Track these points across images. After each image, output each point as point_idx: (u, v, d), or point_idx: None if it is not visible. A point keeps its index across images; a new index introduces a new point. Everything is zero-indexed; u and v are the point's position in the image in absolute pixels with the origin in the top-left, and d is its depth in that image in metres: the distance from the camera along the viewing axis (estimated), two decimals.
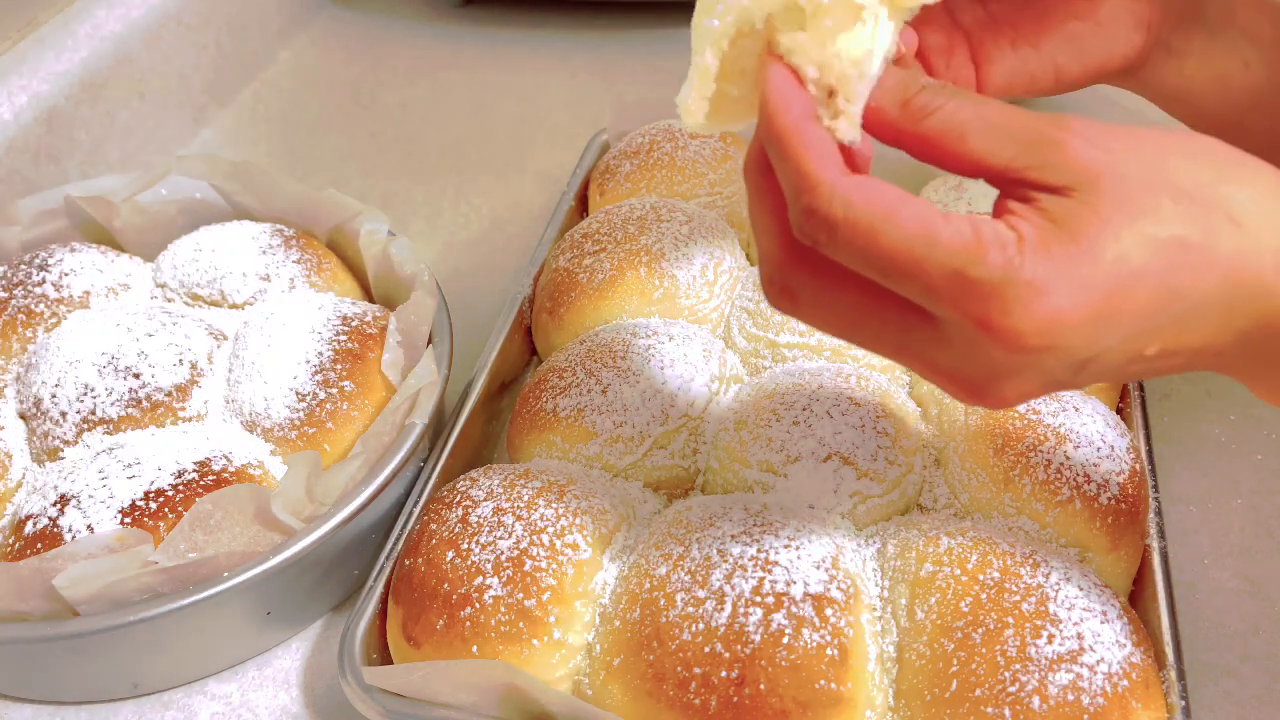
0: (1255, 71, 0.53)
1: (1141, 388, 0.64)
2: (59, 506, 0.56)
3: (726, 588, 0.49)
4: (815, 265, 0.38)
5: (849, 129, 0.38)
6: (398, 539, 0.57)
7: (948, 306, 0.36)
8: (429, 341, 0.66)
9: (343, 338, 0.64)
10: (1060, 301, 0.35)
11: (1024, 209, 0.36)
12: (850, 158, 0.39)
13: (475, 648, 0.50)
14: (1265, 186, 0.37)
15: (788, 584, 0.49)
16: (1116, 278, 0.35)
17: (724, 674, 0.47)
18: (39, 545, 0.55)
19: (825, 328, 0.40)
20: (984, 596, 0.49)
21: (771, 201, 0.39)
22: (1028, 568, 0.50)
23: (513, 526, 0.53)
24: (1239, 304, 0.37)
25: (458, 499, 0.56)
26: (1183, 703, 0.48)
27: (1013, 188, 0.37)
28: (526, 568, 0.51)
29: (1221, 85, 0.54)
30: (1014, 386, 0.38)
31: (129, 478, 0.56)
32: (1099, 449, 0.56)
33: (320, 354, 0.63)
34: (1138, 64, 0.54)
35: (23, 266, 0.70)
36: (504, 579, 0.51)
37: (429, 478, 0.60)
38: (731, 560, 0.50)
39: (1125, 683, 0.46)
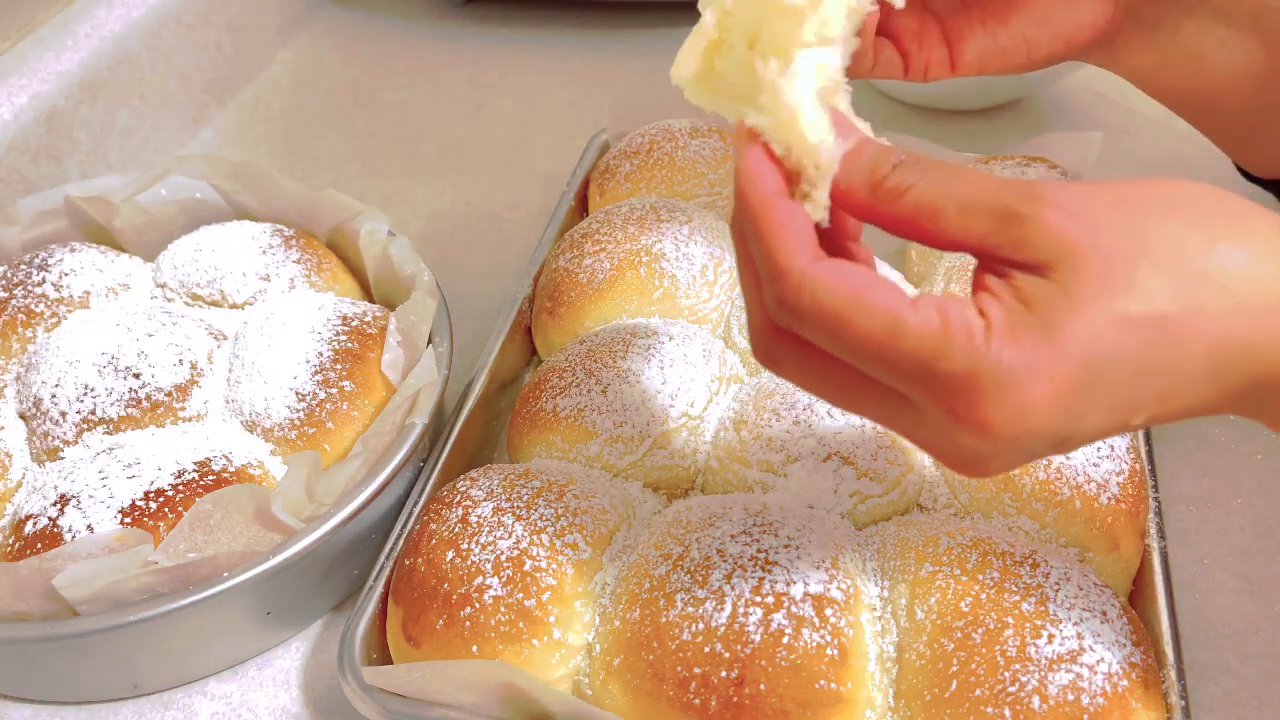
0: (1230, 50, 0.53)
1: None
2: (59, 506, 0.56)
3: (726, 588, 0.49)
4: (796, 337, 0.38)
5: (817, 210, 0.38)
6: (398, 539, 0.57)
7: (919, 395, 0.36)
8: (429, 341, 0.66)
9: (343, 338, 0.64)
10: (1028, 392, 0.35)
11: (999, 286, 0.36)
12: (841, 225, 0.39)
13: (475, 648, 0.50)
14: (1259, 240, 0.36)
15: (788, 584, 0.49)
16: (1087, 362, 0.35)
17: (724, 674, 0.47)
18: (39, 545, 0.55)
19: (811, 391, 0.40)
20: (984, 596, 0.49)
21: (753, 269, 0.39)
22: (1028, 568, 0.50)
23: (513, 526, 0.53)
24: (1230, 369, 0.36)
25: (458, 499, 0.56)
26: (1183, 703, 0.48)
27: (990, 262, 0.37)
28: (526, 568, 0.51)
29: (1196, 63, 0.54)
30: (996, 464, 0.38)
31: (129, 478, 0.56)
32: (1099, 449, 0.56)
33: (320, 354, 0.63)
34: (1109, 36, 0.54)
35: (23, 266, 0.70)
36: (504, 579, 0.51)
37: (429, 478, 0.60)
38: (731, 560, 0.50)
39: (1125, 683, 0.46)
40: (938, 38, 0.53)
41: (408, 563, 0.54)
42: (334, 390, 0.62)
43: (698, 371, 0.62)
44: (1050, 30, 0.52)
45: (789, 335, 0.38)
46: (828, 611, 0.48)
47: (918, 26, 0.53)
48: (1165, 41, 0.53)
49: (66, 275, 0.69)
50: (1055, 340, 0.35)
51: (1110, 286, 0.35)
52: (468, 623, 0.51)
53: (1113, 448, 0.56)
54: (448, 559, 0.53)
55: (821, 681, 0.47)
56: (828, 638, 0.48)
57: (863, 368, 0.37)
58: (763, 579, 0.49)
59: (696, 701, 0.47)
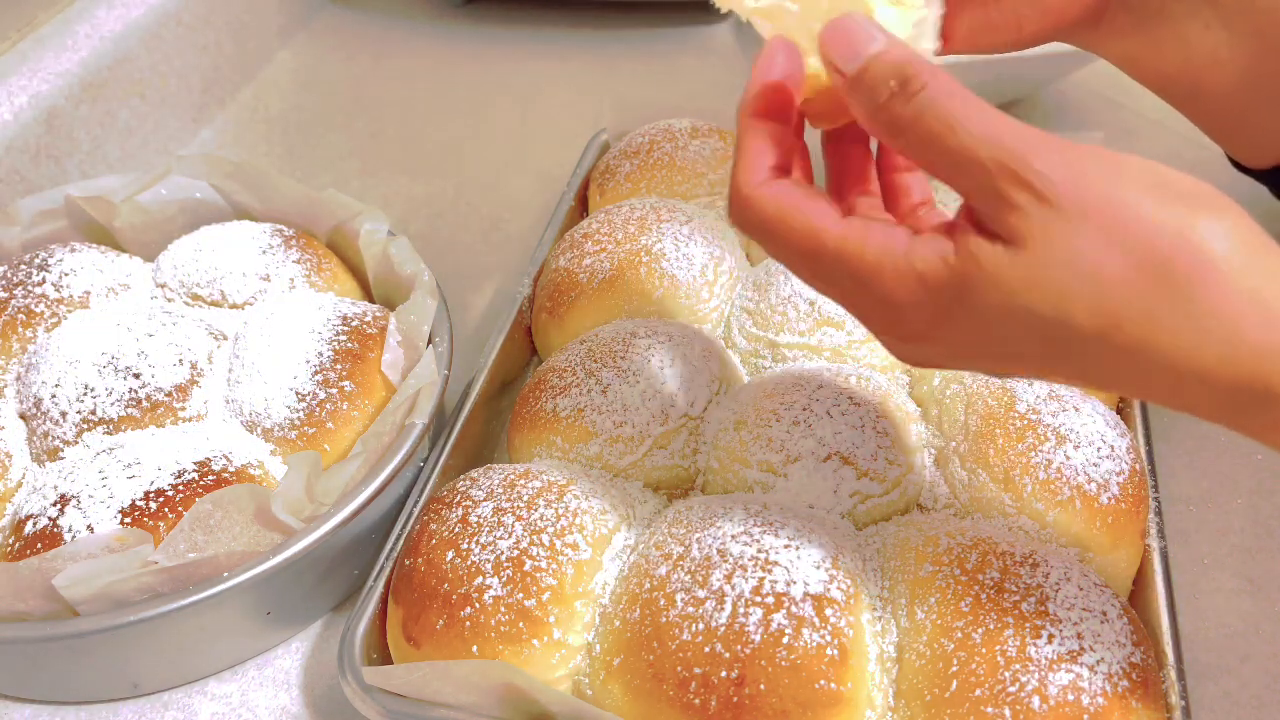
0: (1215, 33, 0.53)
1: None
2: (59, 506, 0.56)
3: (726, 588, 0.49)
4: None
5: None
6: (398, 539, 0.57)
7: (826, 293, 0.41)
8: (429, 341, 0.66)
9: (343, 338, 0.64)
10: (911, 329, 0.39)
11: (943, 239, 0.38)
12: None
13: (475, 648, 0.50)
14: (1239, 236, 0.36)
15: (788, 584, 0.49)
16: (982, 339, 0.38)
17: (724, 674, 0.47)
18: (39, 545, 0.55)
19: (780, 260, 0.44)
20: (984, 596, 0.49)
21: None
22: (1028, 568, 0.50)
23: (513, 526, 0.53)
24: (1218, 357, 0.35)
25: (458, 499, 0.56)
26: (1183, 703, 0.48)
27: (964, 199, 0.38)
28: (526, 568, 0.51)
29: (1183, 48, 0.54)
30: (904, 358, 0.42)
31: (129, 478, 0.56)
32: (1099, 449, 0.56)
33: (320, 354, 0.63)
34: (1096, 16, 0.54)
35: (23, 266, 0.70)
36: (504, 579, 0.51)
37: (429, 478, 0.60)
38: (731, 560, 0.50)
39: (1125, 683, 0.46)
40: None
41: (408, 563, 0.54)
42: (334, 390, 0.62)
43: (698, 371, 0.62)
44: (1040, 7, 0.52)
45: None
46: (828, 611, 0.48)
47: None
48: (1151, 24, 0.53)
49: (66, 275, 0.69)
50: (958, 307, 0.38)
51: (1035, 282, 0.36)
52: (468, 623, 0.51)
53: (1113, 448, 0.56)
54: (448, 559, 0.53)
55: (821, 681, 0.47)
56: (828, 638, 0.48)
57: (797, 275, 0.42)
58: (763, 579, 0.49)
59: (696, 701, 0.47)
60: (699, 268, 0.69)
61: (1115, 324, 0.36)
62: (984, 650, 0.47)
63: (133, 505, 0.55)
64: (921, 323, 0.39)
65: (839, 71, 0.39)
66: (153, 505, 0.55)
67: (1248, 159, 0.60)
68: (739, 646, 0.47)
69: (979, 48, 0.53)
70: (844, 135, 0.48)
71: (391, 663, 0.54)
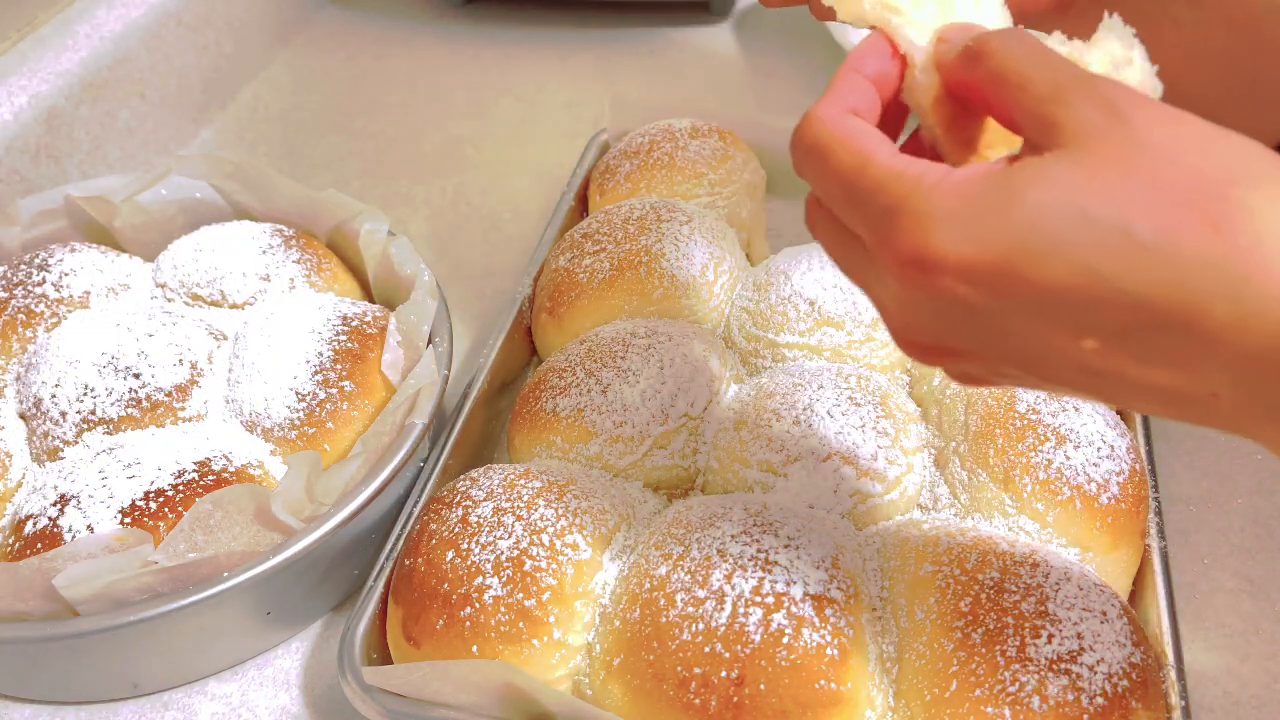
0: (1186, 29, 0.52)
1: None
2: (59, 506, 0.56)
3: (726, 588, 0.49)
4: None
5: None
6: (398, 539, 0.57)
7: (860, 225, 0.37)
8: (429, 341, 0.66)
9: (343, 338, 0.64)
10: (944, 240, 0.34)
11: (1000, 160, 0.36)
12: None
13: (475, 648, 0.50)
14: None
15: (788, 584, 0.49)
16: (1022, 237, 0.33)
17: (724, 674, 0.47)
18: (39, 545, 0.54)
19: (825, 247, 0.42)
20: (984, 596, 0.49)
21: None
22: (1027, 568, 0.50)
23: (513, 526, 0.53)
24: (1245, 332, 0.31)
25: (458, 499, 0.56)
26: (1182, 703, 0.48)
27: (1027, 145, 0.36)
28: (526, 568, 0.51)
29: (1152, 37, 0.53)
30: (926, 331, 0.37)
31: (129, 478, 0.56)
32: (1099, 449, 0.56)
33: (320, 354, 0.63)
34: (1065, 4, 0.52)
35: (23, 266, 0.70)
36: (504, 579, 0.51)
37: (429, 478, 0.60)
38: (731, 560, 0.50)
39: (1125, 683, 0.46)
40: None
41: (408, 563, 0.54)
42: (334, 390, 0.62)
43: (698, 371, 0.62)
44: None
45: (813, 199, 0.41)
46: (828, 611, 0.48)
47: None
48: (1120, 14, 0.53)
49: (66, 275, 0.69)
50: (1001, 203, 0.34)
51: (1089, 181, 0.33)
52: (468, 623, 0.51)
53: (1113, 448, 0.56)
54: (448, 559, 0.53)
55: (821, 681, 0.47)
56: (828, 638, 0.48)
57: (833, 205, 0.39)
58: (763, 579, 0.49)
59: (696, 701, 0.47)
60: (699, 268, 0.69)
61: (1174, 239, 0.32)
62: (984, 650, 0.47)
63: (133, 505, 0.55)
64: (946, 225, 0.34)
65: (948, 41, 0.39)
66: (153, 505, 0.55)
67: None
68: (739, 646, 0.47)
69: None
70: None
71: (391, 663, 0.54)
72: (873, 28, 0.42)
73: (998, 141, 0.40)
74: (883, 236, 0.36)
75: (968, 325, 0.36)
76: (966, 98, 0.40)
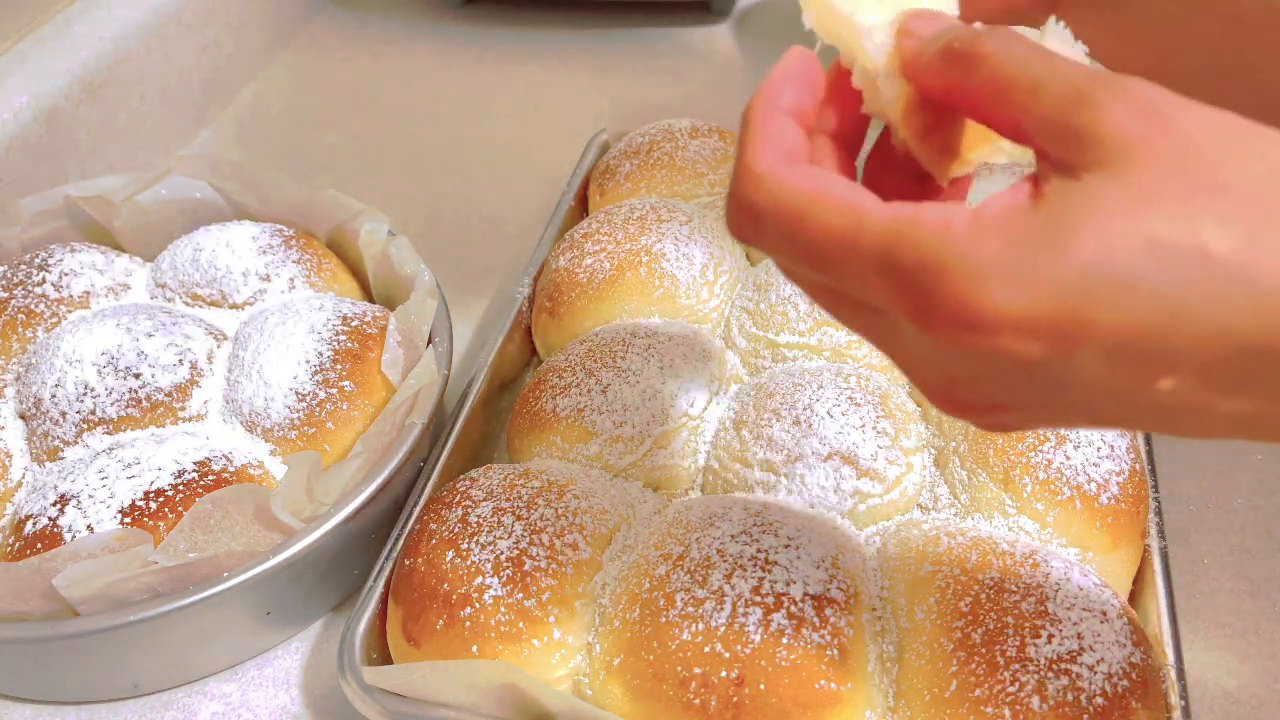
0: (1176, 16, 0.49)
1: None
2: (59, 506, 0.56)
3: (726, 588, 0.49)
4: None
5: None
6: (398, 539, 0.57)
7: (883, 296, 0.31)
8: (429, 341, 0.66)
9: (343, 338, 0.64)
10: (1002, 292, 0.29)
11: (1023, 187, 0.31)
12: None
13: (475, 648, 0.50)
14: None
15: (787, 584, 0.49)
16: (1087, 276, 0.28)
17: (723, 674, 0.47)
18: (39, 545, 0.54)
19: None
20: (984, 596, 0.49)
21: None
22: (1027, 568, 0.50)
23: (512, 526, 0.53)
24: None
25: (458, 499, 0.56)
26: (1182, 703, 0.48)
27: (1042, 165, 0.31)
28: (526, 568, 0.51)
29: (1144, 30, 0.49)
30: (972, 389, 0.32)
31: (129, 478, 0.56)
32: (1099, 449, 0.56)
33: (320, 354, 0.63)
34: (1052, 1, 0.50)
35: (23, 266, 0.70)
36: (504, 579, 0.51)
37: (429, 478, 0.60)
38: (731, 560, 0.50)
39: (1125, 683, 0.46)
40: None
41: (408, 563, 0.54)
42: (334, 390, 0.62)
43: (698, 371, 0.62)
44: None
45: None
46: (828, 611, 0.48)
47: None
48: (1112, 7, 0.48)
49: (66, 275, 0.69)
50: (1055, 243, 0.29)
51: (1149, 202, 0.28)
52: (468, 623, 0.51)
53: (1113, 448, 0.56)
54: (448, 559, 0.53)
55: (821, 681, 0.47)
56: (828, 638, 0.48)
57: (827, 278, 0.33)
58: (762, 579, 0.49)
59: (696, 701, 0.47)
60: (699, 268, 0.69)
61: (1257, 256, 0.28)
62: (983, 650, 0.47)
63: (133, 505, 0.55)
64: (1001, 281, 0.29)
65: (915, 35, 0.35)
66: (153, 505, 0.55)
67: None
68: (739, 646, 0.47)
69: None
70: (888, 161, 0.40)
71: (391, 663, 0.54)
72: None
73: (978, 141, 0.36)
74: (915, 302, 0.31)
75: (1025, 381, 0.31)
76: (948, 103, 0.35)
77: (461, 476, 0.58)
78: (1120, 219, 0.29)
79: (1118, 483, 0.55)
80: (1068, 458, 0.55)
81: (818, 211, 0.32)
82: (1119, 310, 0.29)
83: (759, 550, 0.50)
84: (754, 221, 0.33)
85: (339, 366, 0.63)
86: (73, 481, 0.57)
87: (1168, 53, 0.50)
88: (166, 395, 0.62)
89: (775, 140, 0.34)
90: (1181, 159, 0.29)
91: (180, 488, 0.56)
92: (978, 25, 0.34)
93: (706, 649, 0.48)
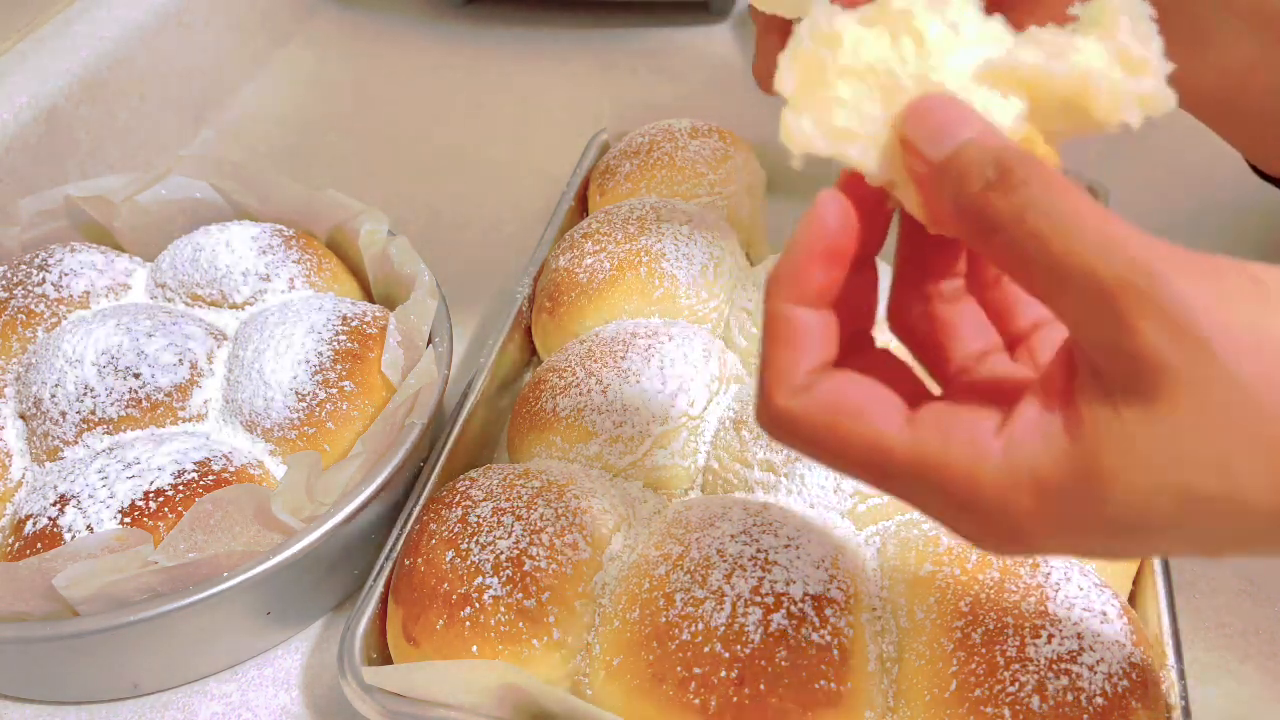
0: (1245, 45, 0.50)
1: None
2: (59, 506, 0.56)
3: (726, 587, 0.49)
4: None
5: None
6: (398, 539, 0.57)
7: (914, 506, 0.33)
8: (429, 341, 0.66)
9: (343, 338, 0.64)
10: (1037, 540, 0.31)
11: (1050, 397, 0.30)
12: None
13: (475, 648, 0.50)
14: None
15: (787, 584, 0.49)
16: (1125, 532, 0.29)
17: (723, 674, 0.47)
18: (39, 545, 0.54)
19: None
20: (984, 596, 0.49)
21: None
22: (1027, 568, 0.50)
23: (512, 526, 0.53)
24: None
25: (457, 499, 0.56)
26: (1182, 703, 0.48)
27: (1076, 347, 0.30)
28: (526, 568, 0.51)
29: (1216, 61, 0.50)
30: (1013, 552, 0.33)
31: (129, 478, 0.56)
32: None
33: (320, 354, 0.63)
34: None
35: (23, 266, 0.70)
36: (504, 579, 0.51)
37: (429, 478, 0.60)
38: (731, 560, 0.50)
39: (1125, 683, 0.46)
40: None
41: (408, 563, 0.54)
42: (334, 390, 0.62)
43: (698, 371, 0.62)
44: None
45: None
46: (828, 611, 0.48)
47: None
48: (1184, 42, 0.46)
49: (66, 275, 0.69)
50: (1092, 496, 0.29)
51: (1185, 450, 0.28)
52: (468, 623, 0.51)
53: None
54: (448, 559, 0.53)
55: (821, 681, 0.47)
56: (828, 638, 0.48)
57: (860, 480, 0.34)
58: (762, 579, 0.49)
59: (696, 701, 0.47)
60: (699, 268, 0.69)
61: None
62: (983, 650, 0.47)
63: (133, 505, 0.55)
64: (1037, 530, 0.30)
65: (921, 156, 0.32)
66: (153, 505, 0.55)
67: (1274, 167, 0.58)
68: (739, 646, 0.47)
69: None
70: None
71: (391, 663, 0.54)
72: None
73: None
74: (950, 527, 0.32)
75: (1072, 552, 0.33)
76: None
77: (461, 476, 0.58)
78: (1158, 473, 0.28)
79: None
80: None
81: (840, 446, 0.33)
82: (1155, 550, 0.32)
83: (759, 550, 0.50)
84: (783, 442, 0.35)
85: (339, 366, 0.63)
86: (73, 481, 0.57)
87: (1237, 82, 0.49)
88: (166, 395, 0.62)
89: (787, 360, 0.34)
90: (1220, 399, 0.27)
91: (180, 488, 0.56)
92: (994, 141, 0.31)
93: (706, 649, 0.48)
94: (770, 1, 0.46)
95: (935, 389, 0.37)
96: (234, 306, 0.69)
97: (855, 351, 0.36)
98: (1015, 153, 0.30)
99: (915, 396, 0.34)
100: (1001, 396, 0.32)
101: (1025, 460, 0.30)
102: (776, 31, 0.50)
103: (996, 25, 0.34)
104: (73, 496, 0.56)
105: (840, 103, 0.33)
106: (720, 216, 0.76)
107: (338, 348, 0.63)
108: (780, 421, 0.34)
